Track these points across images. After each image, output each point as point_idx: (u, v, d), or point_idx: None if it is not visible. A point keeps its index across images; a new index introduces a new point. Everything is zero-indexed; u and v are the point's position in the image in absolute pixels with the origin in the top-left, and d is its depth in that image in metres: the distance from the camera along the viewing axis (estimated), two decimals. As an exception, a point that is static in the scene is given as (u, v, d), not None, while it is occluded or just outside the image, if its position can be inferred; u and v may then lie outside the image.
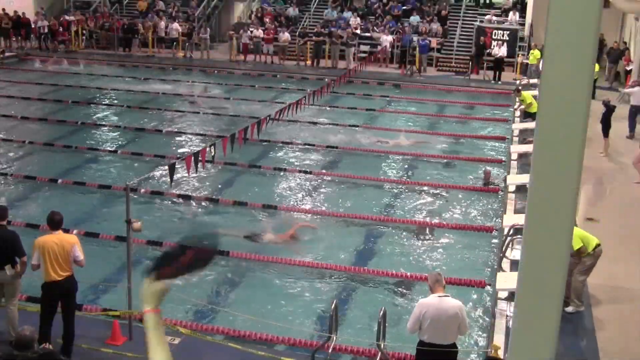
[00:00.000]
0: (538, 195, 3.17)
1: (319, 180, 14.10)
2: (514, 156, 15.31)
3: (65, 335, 7.30)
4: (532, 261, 3.26)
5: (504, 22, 27.72)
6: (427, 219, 12.11)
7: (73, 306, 7.44)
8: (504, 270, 9.34)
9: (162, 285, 2.54)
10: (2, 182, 13.47)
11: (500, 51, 25.25)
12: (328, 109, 20.34)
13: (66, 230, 9.52)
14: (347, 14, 29.15)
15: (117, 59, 27.39)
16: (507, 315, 8.26)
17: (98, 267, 9.67)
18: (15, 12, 28.08)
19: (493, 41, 25.86)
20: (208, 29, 27.94)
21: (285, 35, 27.00)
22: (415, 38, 25.93)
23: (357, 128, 18.31)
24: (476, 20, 28.08)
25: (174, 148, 16.09)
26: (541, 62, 19.70)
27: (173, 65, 26.66)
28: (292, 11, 30.20)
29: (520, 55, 25.66)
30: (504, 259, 9.69)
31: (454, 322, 6.34)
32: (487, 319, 8.60)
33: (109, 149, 16.02)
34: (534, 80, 22.26)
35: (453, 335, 6.43)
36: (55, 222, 7.34)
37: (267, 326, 8.07)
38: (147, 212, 12.02)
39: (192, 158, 9.85)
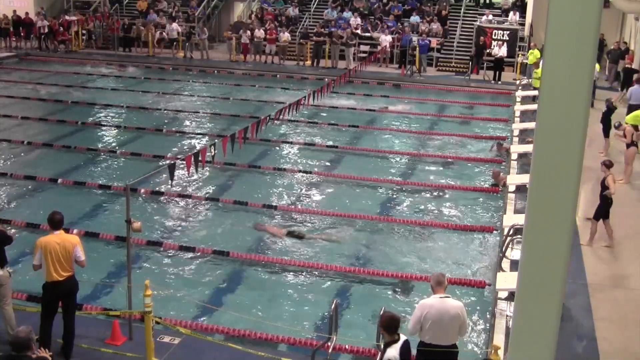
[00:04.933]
0: (538, 195, 3.17)
1: (319, 180, 14.10)
2: (514, 156, 15.30)
3: (66, 335, 7.31)
4: (532, 261, 3.26)
5: (504, 22, 27.72)
6: (428, 219, 12.11)
7: (74, 306, 7.44)
8: (504, 270, 9.34)
9: None
10: (2, 182, 13.47)
11: (500, 51, 25.25)
12: (328, 109, 20.34)
13: (66, 230, 9.54)
14: (347, 14, 29.15)
15: (117, 59, 27.38)
16: (507, 315, 8.25)
17: (98, 267, 9.68)
18: (15, 11, 28.06)
19: (493, 41, 25.87)
20: (206, 30, 27.90)
21: (285, 35, 27.00)
22: (415, 38, 25.93)
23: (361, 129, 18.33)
24: (476, 20, 28.09)
25: (174, 148, 16.10)
26: (541, 62, 19.74)
27: (173, 66, 26.65)
28: (292, 11, 30.20)
29: (520, 55, 25.67)
30: (504, 259, 9.68)
31: (455, 323, 6.34)
32: (487, 319, 8.60)
33: (109, 149, 16.02)
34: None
35: (454, 336, 6.42)
36: (55, 222, 7.33)
37: (267, 326, 8.07)
38: (147, 212, 12.02)
39: (192, 158, 9.85)
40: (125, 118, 19.08)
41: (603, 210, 10.54)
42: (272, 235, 11.19)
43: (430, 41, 26.19)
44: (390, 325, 5.83)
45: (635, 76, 18.87)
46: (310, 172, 14.43)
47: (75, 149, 15.69)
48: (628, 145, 13.58)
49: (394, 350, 5.74)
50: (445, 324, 6.30)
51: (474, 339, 8.26)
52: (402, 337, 5.86)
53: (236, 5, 32.01)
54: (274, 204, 12.54)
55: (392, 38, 27.00)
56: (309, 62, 26.97)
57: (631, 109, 17.46)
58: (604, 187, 10.51)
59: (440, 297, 6.39)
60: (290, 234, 11.18)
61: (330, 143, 16.66)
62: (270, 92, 22.70)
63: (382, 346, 5.97)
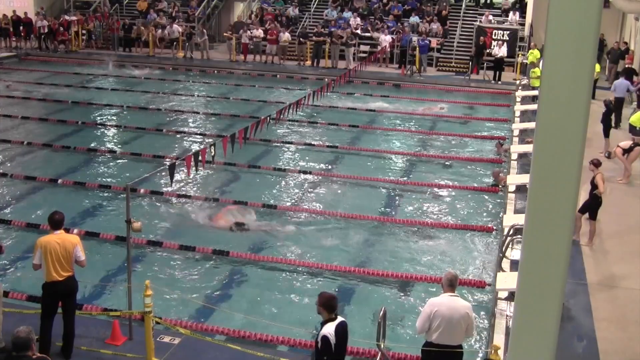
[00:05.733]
0: (538, 195, 3.17)
1: (319, 180, 14.10)
2: (514, 156, 15.31)
3: (65, 335, 7.29)
4: (532, 261, 3.26)
5: (504, 22, 27.72)
6: (427, 219, 12.11)
7: (73, 306, 7.41)
8: (504, 270, 9.33)
9: None
10: (2, 182, 13.47)
11: (500, 51, 25.25)
12: (328, 109, 20.34)
13: (67, 230, 9.52)
14: (347, 14, 29.16)
15: (117, 59, 27.38)
16: (507, 315, 8.25)
17: (98, 267, 9.68)
18: (14, 11, 28.05)
19: (493, 41, 25.87)
20: (204, 32, 27.88)
21: (285, 35, 27.01)
22: (415, 38, 25.94)
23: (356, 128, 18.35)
24: (476, 20, 28.10)
25: (174, 148, 16.09)
26: (541, 62, 19.79)
27: (173, 66, 26.65)
28: (292, 11, 30.20)
29: (520, 55, 25.67)
30: (504, 259, 9.68)
31: (463, 323, 6.32)
32: (487, 319, 8.60)
33: (109, 149, 16.02)
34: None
35: (460, 336, 6.41)
36: (55, 222, 7.29)
37: (267, 326, 8.06)
38: (147, 212, 12.02)
39: (192, 158, 9.85)
40: (125, 118, 19.08)
41: (592, 209, 10.55)
42: (218, 227, 11.48)
43: (430, 41, 26.19)
44: (329, 305, 6.05)
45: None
46: (310, 172, 14.43)
47: (75, 149, 15.68)
48: (631, 148, 13.55)
49: (330, 328, 5.97)
50: (454, 323, 6.29)
51: (474, 340, 8.25)
52: (340, 318, 6.11)
53: (236, 5, 32.02)
54: (273, 204, 12.54)
55: (392, 38, 27.00)
56: (309, 62, 26.97)
57: (616, 101, 17.71)
58: (594, 186, 10.52)
59: (450, 296, 6.40)
60: (236, 226, 11.44)
61: (330, 143, 16.66)
62: (270, 92, 22.71)
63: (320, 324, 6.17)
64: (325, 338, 5.90)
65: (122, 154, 15.58)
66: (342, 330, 6.03)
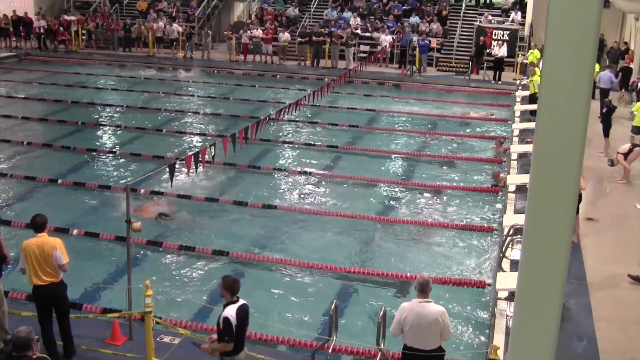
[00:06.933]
0: (538, 195, 3.17)
1: (319, 180, 14.10)
2: (514, 156, 15.31)
3: (63, 339, 7.24)
4: (532, 261, 3.26)
5: (504, 22, 27.73)
6: (428, 219, 12.10)
7: (64, 310, 7.23)
8: (504, 270, 9.33)
9: None
10: (2, 182, 13.47)
11: (500, 51, 25.25)
12: (328, 109, 20.34)
13: (65, 231, 9.52)
14: (347, 14, 29.17)
15: (117, 59, 27.38)
16: (507, 315, 8.25)
17: (98, 267, 9.68)
18: (14, 11, 28.05)
19: (493, 41, 25.88)
20: (209, 32, 27.90)
21: (285, 35, 27.00)
22: (415, 38, 25.94)
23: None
24: (476, 20, 28.10)
25: (174, 148, 16.09)
26: (541, 62, 19.83)
27: (173, 65, 26.65)
28: (292, 11, 30.20)
29: (520, 55, 25.68)
30: (504, 259, 9.68)
31: (435, 328, 6.28)
32: (487, 319, 8.60)
33: (109, 149, 16.02)
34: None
35: (435, 341, 6.35)
36: (37, 225, 7.10)
37: (267, 326, 8.06)
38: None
39: (192, 158, 9.85)
40: (125, 118, 19.08)
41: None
42: (144, 216, 11.64)
43: (430, 41, 26.20)
44: (231, 288, 6.28)
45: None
46: (310, 172, 14.43)
47: (75, 149, 15.68)
48: (630, 150, 13.56)
49: (231, 310, 6.18)
50: (424, 328, 6.26)
51: (474, 340, 8.26)
52: (242, 301, 6.32)
53: (236, 5, 32.03)
54: (273, 204, 12.54)
55: (392, 38, 27.00)
56: (309, 62, 26.97)
57: (601, 92, 17.90)
58: None
59: (420, 302, 6.32)
60: (160, 216, 11.74)
61: (330, 143, 16.66)
62: (270, 92, 22.71)
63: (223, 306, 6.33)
64: (226, 319, 6.11)
65: (122, 154, 15.58)
66: (242, 312, 6.24)
